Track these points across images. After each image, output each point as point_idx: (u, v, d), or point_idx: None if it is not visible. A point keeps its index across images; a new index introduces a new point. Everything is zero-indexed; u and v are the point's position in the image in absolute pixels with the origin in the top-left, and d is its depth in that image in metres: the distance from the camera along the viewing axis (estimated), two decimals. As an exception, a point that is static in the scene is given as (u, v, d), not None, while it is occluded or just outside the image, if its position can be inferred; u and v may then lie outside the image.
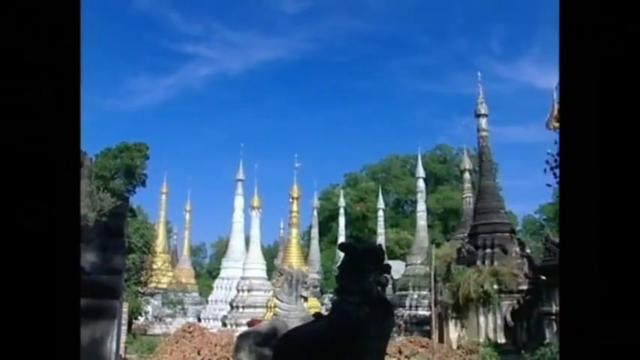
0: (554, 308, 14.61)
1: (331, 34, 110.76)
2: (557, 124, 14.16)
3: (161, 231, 41.96)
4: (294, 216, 32.35)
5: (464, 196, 32.11)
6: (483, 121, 23.20)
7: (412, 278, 29.40)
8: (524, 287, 17.97)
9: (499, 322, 18.23)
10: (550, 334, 14.47)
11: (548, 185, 10.61)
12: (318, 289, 37.40)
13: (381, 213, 42.98)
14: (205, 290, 42.74)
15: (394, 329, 17.51)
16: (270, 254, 44.40)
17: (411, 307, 27.90)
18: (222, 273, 37.28)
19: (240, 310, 28.95)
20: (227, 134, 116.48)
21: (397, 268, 29.18)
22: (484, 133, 23.20)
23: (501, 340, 17.75)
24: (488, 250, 20.13)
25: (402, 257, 37.84)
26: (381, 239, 39.17)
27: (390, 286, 26.07)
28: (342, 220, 46.57)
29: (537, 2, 79.79)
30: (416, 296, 28.44)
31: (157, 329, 28.64)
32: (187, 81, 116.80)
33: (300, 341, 5.09)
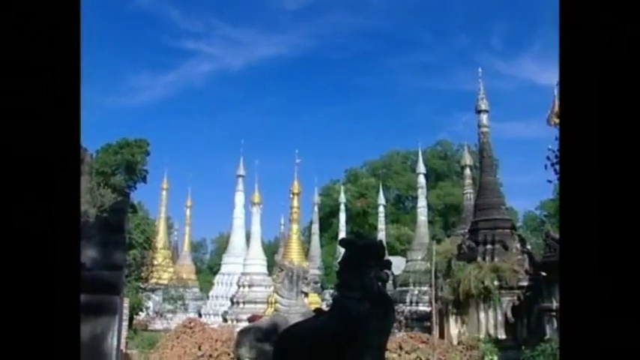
0: (555, 304, 14.60)
1: (332, 31, 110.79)
2: (558, 121, 14.13)
3: (162, 227, 42.03)
4: (294, 212, 32.36)
5: (464, 192, 32.06)
6: (484, 117, 23.15)
7: (413, 274, 29.39)
8: (525, 283, 17.95)
9: (499, 318, 18.23)
10: (550, 330, 14.46)
11: (549, 181, 10.62)
12: (319, 284, 37.45)
13: (381, 209, 42.97)
14: (206, 286, 42.83)
15: (395, 325, 17.51)
16: (271, 250, 44.42)
17: (411, 302, 27.91)
18: (223, 269, 37.33)
19: (241, 305, 29.01)
20: (228, 130, 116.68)
21: (398, 264, 29.16)
22: (485, 129, 23.15)
23: (502, 336, 17.76)
24: (488, 246, 20.12)
25: (403, 253, 37.86)
26: (381, 235, 39.17)
27: (390, 282, 26.09)
28: (342, 216, 46.56)
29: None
30: (416, 292, 28.45)
31: (158, 325, 28.76)
32: (188, 77, 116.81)
33: (301, 337, 5.11)
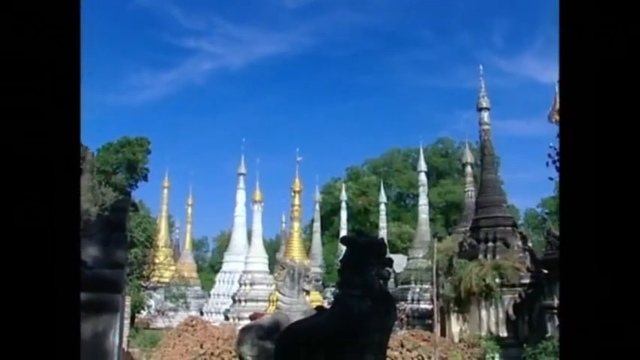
0: (556, 302, 14.61)
1: (333, 29, 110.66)
2: (559, 118, 14.11)
3: (163, 225, 42.07)
4: (295, 210, 32.40)
5: (466, 189, 32.02)
6: (485, 115, 23.14)
7: (414, 272, 29.40)
8: (526, 281, 17.98)
9: (501, 315, 18.25)
10: (552, 328, 14.48)
11: (551, 179, 10.62)
12: (320, 282, 37.51)
13: (382, 207, 42.96)
14: (208, 284, 42.90)
15: (396, 323, 17.54)
16: (272, 248, 44.46)
17: (413, 300, 27.92)
18: (225, 267, 37.37)
19: (243, 303, 29.07)
20: (229, 128, 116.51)
21: (399, 261, 29.18)
22: (486, 127, 23.14)
23: (503, 333, 17.78)
24: (490, 244, 20.13)
25: (404, 251, 37.83)
26: (382, 233, 39.15)
27: (391, 279, 26.10)
28: (343, 214, 46.59)
29: (540, -4, 79.33)
30: (418, 290, 28.46)
31: (160, 323, 28.79)
32: (189, 76, 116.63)
33: (303, 334, 5.11)
